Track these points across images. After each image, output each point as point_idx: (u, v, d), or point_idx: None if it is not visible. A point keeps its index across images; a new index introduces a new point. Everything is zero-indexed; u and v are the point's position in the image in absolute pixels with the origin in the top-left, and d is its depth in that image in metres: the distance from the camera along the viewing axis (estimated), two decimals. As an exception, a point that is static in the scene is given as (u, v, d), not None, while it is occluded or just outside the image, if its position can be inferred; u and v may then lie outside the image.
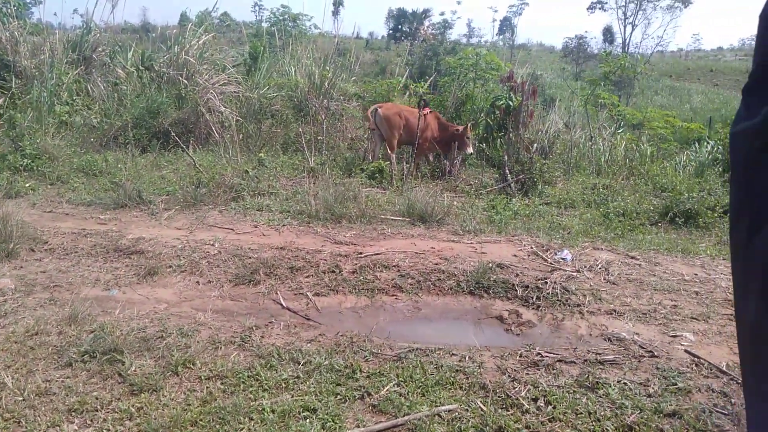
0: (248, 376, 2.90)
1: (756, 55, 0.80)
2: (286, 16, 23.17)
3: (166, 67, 10.90)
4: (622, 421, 2.65)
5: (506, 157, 7.92)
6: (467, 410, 2.70)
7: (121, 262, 4.35)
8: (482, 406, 2.73)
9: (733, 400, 2.88)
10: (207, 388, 2.80)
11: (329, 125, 10.14)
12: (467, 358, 3.18)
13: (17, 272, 4.13)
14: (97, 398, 2.68)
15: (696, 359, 3.26)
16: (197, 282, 4.10)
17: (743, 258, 0.79)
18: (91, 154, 7.70)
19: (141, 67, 11.07)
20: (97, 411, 2.59)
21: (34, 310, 3.53)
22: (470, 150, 8.19)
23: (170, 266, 4.28)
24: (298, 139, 9.27)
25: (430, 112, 8.36)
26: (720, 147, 9.83)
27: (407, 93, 12.55)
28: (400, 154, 8.84)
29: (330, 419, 2.57)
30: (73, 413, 2.57)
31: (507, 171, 7.65)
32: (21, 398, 2.63)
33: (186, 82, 10.32)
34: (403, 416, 2.64)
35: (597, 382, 2.97)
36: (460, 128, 8.08)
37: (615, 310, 3.81)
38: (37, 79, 10.13)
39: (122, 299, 3.78)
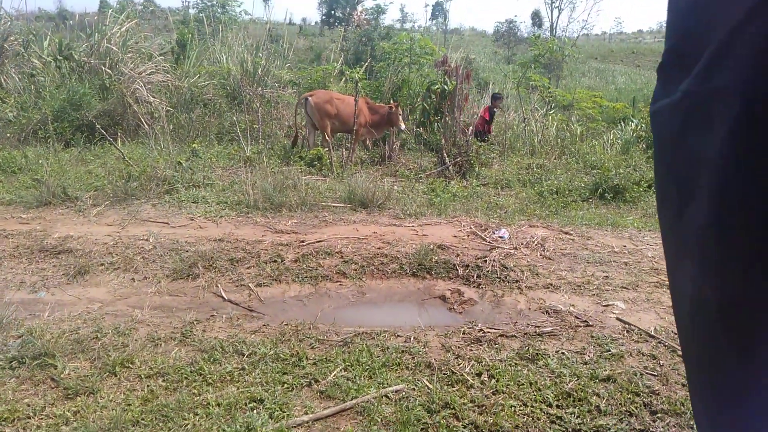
0: (191, 371, 2.83)
1: (667, 36, 0.83)
2: (215, 2, 22.45)
3: (86, 56, 10.34)
4: (561, 388, 2.77)
5: (443, 141, 8.03)
6: (414, 389, 2.74)
7: (48, 262, 4.12)
8: (428, 384, 2.79)
9: (661, 362, 3.06)
10: (148, 386, 2.71)
11: (265, 113, 9.94)
12: (412, 339, 3.23)
13: (-69, 279, 3.84)
14: (29, 405, 2.54)
15: (627, 326, 3.44)
16: (132, 279, 3.95)
17: (675, 234, 0.81)
18: (8, 150, 7.23)
19: (59, 57, 10.44)
20: (29, 418, 2.46)
21: (-48, 318, 3.29)
22: (402, 125, 8.38)
23: (102, 264, 4.09)
24: (233, 128, 9.05)
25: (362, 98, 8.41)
26: (643, 125, 10.33)
27: (343, 79, 12.47)
28: (339, 140, 8.80)
29: (277, 408, 2.55)
30: (3, 422, 2.43)
31: (445, 154, 7.76)
32: (-58, 412, 2.46)
33: (110, 71, 9.83)
34: (351, 400, 2.65)
35: (537, 353, 3.08)
36: (389, 108, 8.28)
37: (551, 284, 3.96)
38: (-58, 72, 9.39)
39: (51, 301, 3.59)
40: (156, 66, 10.69)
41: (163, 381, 2.76)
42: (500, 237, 4.75)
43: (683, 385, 2.85)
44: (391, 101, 8.78)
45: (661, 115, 0.82)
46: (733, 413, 0.73)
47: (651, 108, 0.86)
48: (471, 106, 10.93)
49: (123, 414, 2.47)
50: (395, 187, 6.42)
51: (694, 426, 0.85)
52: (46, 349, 2.91)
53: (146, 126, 8.73)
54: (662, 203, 0.82)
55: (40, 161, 6.43)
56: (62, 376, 2.74)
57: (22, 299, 3.61)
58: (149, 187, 5.82)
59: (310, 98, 8.01)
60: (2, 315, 3.23)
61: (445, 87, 9.55)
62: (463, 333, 3.30)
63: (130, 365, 2.87)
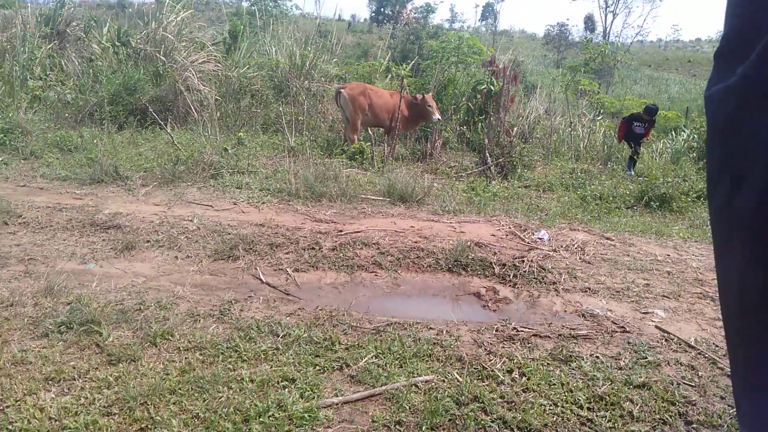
0: (227, 348, 2.91)
1: (725, 24, 0.83)
2: (267, -4, 22.84)
3: (143, 43, 10.69)
4: (593, 391, 2.73)
5: (486, 141, 7.98)
6: (444, 381, 2.75)
7: (98, 236, 4.30)
8: (458, 377, 2.79)
9: (700, 373, 2.98)
10: (186, 358, 2.80)
11: (310, 106, 10.08)
12: (444, 332, 3.23)
13: (-10, 245, 4.05)
14: (74, 368, 2.66)
15: (666, 335, 3.35)
16: (176, 257, 4.08)
17: (727, 218, 0.81)
18: (65, 130, 7.55)
19: (117, 43, 10.83)
20: (74, 380, 2.58)
21: (8, 282, 3.47)
22: (437, 116, 8.12)
23: (148, 241, 4.24)
24: (278, 119, 9.21)
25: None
26: (695, 135, 10.02)
27: (389, 76, 12.51)
28: (381, 135, 8.83)
29: (308, 388, 2.60)
30: (50, 382, 2.55)
31: (487, 154, 7.71)
32: (-4, 367, 2.61)
33: (164, 59, 10.14)
34: (381, 386, 2.68)
35: (570, 355, 3.04)
36: (418, 97, 8.05)
37: (589, 288, 3.90)
38: (9, 53, 9.86)
39: (99, 273, 3.74)
40: (208, 55, 10.97)
41: (200, 355, 2.85)
42: (539, 238, 4.69)
43: (722, 398, 2.77)
44: (424, 93, 8.40)
45: (717, 99, 0.82)
46: None
47: (705, 93, 0.86)
48: (517, 108, 10.81)
49: (161, 382, 2.56)
50: (435, 184, 6.42)
51: None
52: (93, 316, 3.04)
53: (195, 113, 8.97)
54: (713, 189, 0.82)
55: (95, 141, 6.69)
56: (106, 343, 2.86)
57: (72, 269, 3.78)
58: (195, 171, 5.99)
59: (343, 90, 8.03)
60: (54, 282, 3.39)
61: (492, 87, 9.48)
62: (496, 330, 3.29)
63: (170, 337, 2.97)
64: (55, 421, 2.30)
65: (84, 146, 6.85)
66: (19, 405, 2.38)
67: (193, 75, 9.86)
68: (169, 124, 8.52)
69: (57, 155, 6.62)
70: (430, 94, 8.54)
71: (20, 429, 2.22)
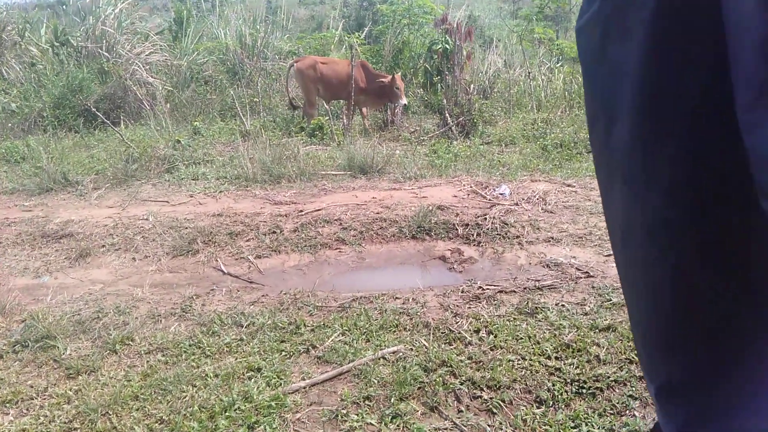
0: (190, 345, 2.86)
1: None
2: (211, -23, 22.08)
3: (83, 40, 10.27)
4: (560, 340, 2.74)
5: (445, 101, 7.87)
6: (411, 349, 2.74)
7: (50, 247, 4.17)
8: (426, 343, 2.77)
9: (663, 308, 3.01)
10: (147, 362, 2.74)
11: (266, 86, 9.84)
12: (411, 300, 3.21)
13: (-62, 270, 3.90)
14: (31, 386, 2.59)
15: (629, 274, 3.37)
16: (133, 258, 3.98)
17: (604, 157, 0.77)
18: (11, 141, 7.27)
19: (56, 44, 10.40)
20: (32, 399, 2.51)
21: (-42, 307, 3.35)
22: (403, 100, 7.66)
23: (103, 246, 4.12)
24: (234, 104, 8.98)
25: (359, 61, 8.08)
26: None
27: (344, 46, 12.25)
28: (339, 108, 8.67)
29: (275, 376, 2.57)
30: (7, 404, 2.48)
31: (447, 115, 7.62)
32: (-52, 397, 2.52)
33: (107, 54, 9.77)
34: (348, 363, 2.66)
35: (536, 307, 3.05)
36: (387, 78, 7.58)
37: (553, 238, 3.90)
38: (-58, 66, 9.43)
39: (54, 285, 3.63)
40: (153, 46, 10.60)
41: (162, 356, 2.79)
42: (501, 194, 4.67)
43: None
44: (394, 73, 7.85)
45: (584, 31, 0.78)
46: (666, 330, 0.72)
47: (576, 26, 0.81)
48: (476, 64, 10.67)
49: (123, 390, 2.51)
50: (396, 152, 6.34)
51: None
52: (48, 331, 2.95)
53: (147, 107, 8.69)
54: (591, 126, 0.78)
55: (41, 149, 6.45)
56: (63, 357, 2.78)
57: (26, 285, 3.66)
58: (149, 167, 5.83)
59: (295, 63, 7.82)
60: (6, 301, 3.28)
61: (447, 46, 9.33)
62: (462, 291, 3.28)
63: (130, 342, 2.91)
64: (14, 444, 2.24)
65: (31, 155, 6.61)
66: (-25, 433, 2.31)
67: (140, 68, 9.53)
68: (122, 122, 8.26)
69: (4, 168, 6.38)
70: (399, 74, 8.15)
71: (-25, 458, 2.16)
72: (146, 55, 10.15)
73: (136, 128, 7.97)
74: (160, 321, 3.12)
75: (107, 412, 2.38)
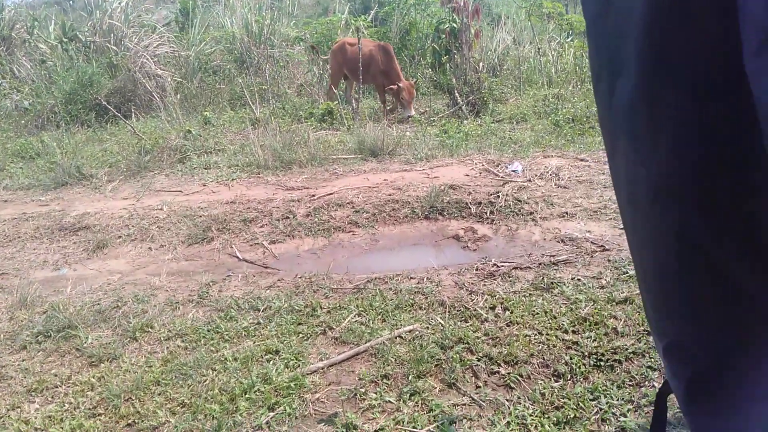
0: (208, 330, 2.89)
1: None
2: (215, -34, 21.97)
3: (91, 35, 10.31)
4: (577, 314, 2.73)
5: (454, 81, 7.80)
6: (427, 328, 2.74)
7: (68, 240, 4.23)
8: (441, 321, 2.78)
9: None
10: (167, 348, 2.78)
11: (274, 73, 9.82)
12: (425, 279, 3.21)
13: (-40, 266, 3.98)
14: (55, 375, 2.64)
15: (646, 247, 3.34)
16: (149, 248, 4.02)
17: (610, 113, 0.76)
18: (25, 138, 7.36)
19: (65, 40, 10.45)
20: (57, 387, 2.56)
21: (-19, 301, 3.42)
22: (409, 112, 7.30)
23: (120, 237, 4.17)
24: (244, 93, 8.98)
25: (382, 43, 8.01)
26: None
27: (351, 29, 12.16)
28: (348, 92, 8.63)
29: (293, 358, 2.59)
30: (33, 393, 2.54)
31: (456, 94, 7.55)
32: (-24, 387, 2.58)
33: (115, 48, 9.80)
34: (365, 343, 2.67)
35: (552, 282, 3.03)
36: (394, 87, 7.26)
37: (567, 212, 3.87)
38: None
39: (73, 276, 3.68)
40: (161, 38, 10.60)
41: (182, 342, 2.82)
42: (513, 171, 4.63)
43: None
44: (399, 83, 7.25)
45: None
46: (672, 289, 0.72)
47: None
48: (484, 42, 10.53)
49: (144, 375, 2.55)
50: (407, 133, 6.31)
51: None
52: (70, 321, 3.00)
53: (157, 99, 8.72)
54: (596, 84, 0.77)
55: (55, 144, 6.52)
56: (85, 345, 2.83)
57: (45, 277, 3.72)
58: (162, 158, 5.86)
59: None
60: (27, 293, 3.34)
61: (454, 25, 9.21)
62: (477, 269, 3.27)
63: (150, 329, 2.95)
64: (41, 430, 2.29)
65: (46, 151, 6.68)
66: (3, 421, 2.36)
67: (148, 60, 9.54)
68: (133, 115, 8.30)
69: (19, 165, 6.46)
70: (413, 81, 7.84)
71: (4, 444, 2.22)
72: (154, 48, 10.15)
73: (147, 120, 8.01)
74: (178, 308, 3.15)
75: (130, 398, 2.42)
